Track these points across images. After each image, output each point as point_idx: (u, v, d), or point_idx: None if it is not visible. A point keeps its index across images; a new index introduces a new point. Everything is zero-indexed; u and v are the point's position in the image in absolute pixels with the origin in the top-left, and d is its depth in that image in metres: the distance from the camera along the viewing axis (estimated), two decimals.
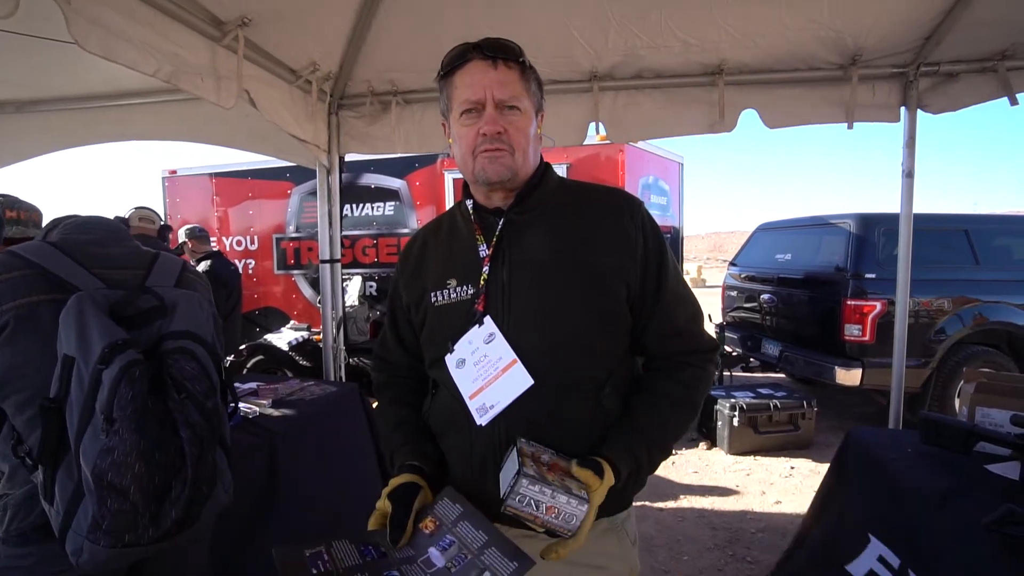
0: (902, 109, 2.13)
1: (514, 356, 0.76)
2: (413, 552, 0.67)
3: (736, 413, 3.49)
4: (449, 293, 0.83)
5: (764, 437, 3.53)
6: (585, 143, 3.63)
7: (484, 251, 0.82)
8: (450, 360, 0.81)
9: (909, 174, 2.12)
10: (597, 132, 2.32)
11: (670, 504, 2.80)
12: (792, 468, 3.27)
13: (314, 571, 0.61)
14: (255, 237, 5.14)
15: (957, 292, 3.55)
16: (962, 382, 3.50)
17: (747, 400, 3.58)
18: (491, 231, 0.83)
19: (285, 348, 4.09)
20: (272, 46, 1.96)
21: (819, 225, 4.21)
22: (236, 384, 2.21)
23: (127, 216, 2.79)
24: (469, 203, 0.87)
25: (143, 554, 0.80)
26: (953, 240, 3.70)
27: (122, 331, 0.81)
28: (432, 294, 0.85)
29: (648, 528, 2.48)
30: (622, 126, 2.30)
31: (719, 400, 3.63)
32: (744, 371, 5.06)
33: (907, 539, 1.36)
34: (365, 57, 2.29)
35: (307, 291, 4.93)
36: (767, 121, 2.23)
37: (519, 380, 0.75)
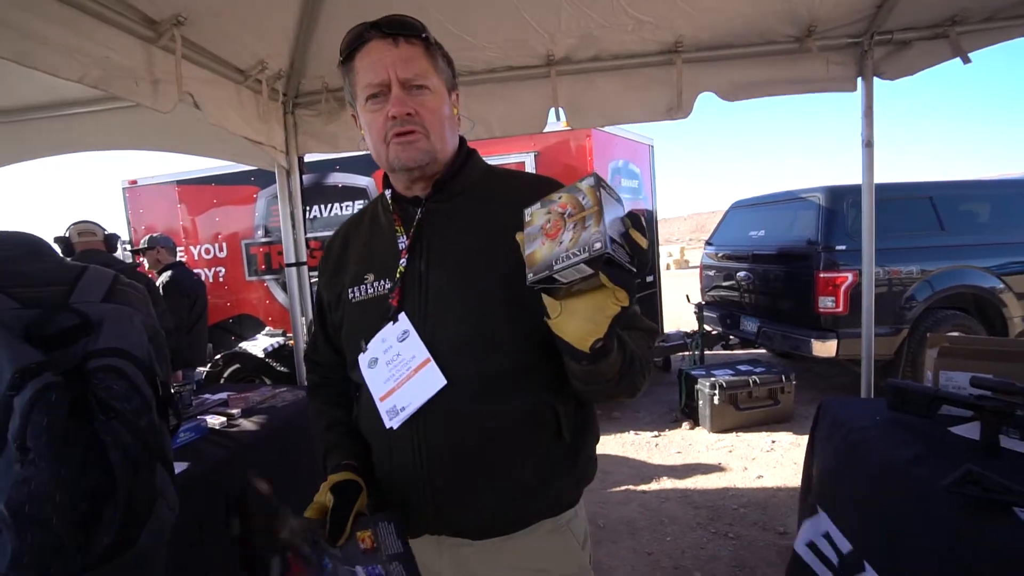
0: (859, 79, 2.13)
1: (427, 355, 0.71)
2: (342, 556, 0.64)
3: (716, 391, 3.53)
4: (366, 288, 0.79)
5: (745, 413, 3.57)
6: (552, 130, 3.61)
7: (403, 242, 0.78)
8: (363, 360, 0.77)
9: (868, 143, 2.13)
10: (558, 119, 2.29)
11: (653, 486, 2.82)
12: (773, 442, 3.32)
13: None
14: (223, 244, 5.02)
15: (925, 259, 3.62)
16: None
17: (727, 378, 3.62)
18: (411, 221, 0.79)
19: (260, 355, 4.01)
20: (214, 45, 1.88)
21: (790, 200, 4.25)
22: (206, 395, 2.18)
23: (67, 235, 2.70)
24: (388, 193, 0.82)
25: None
26: (918, 208, 3.76)
27: (37, 353, 0.76)
28: (350, 290, 0.80)
29: (632, 511, 2.50)
30: (582, 112, 2.28)
31: (700, 380, 3.66)
32: (725, 349, 5.12)
33: (862, 515, 1.37)
34: (316, 52, 2.22)
35: (280, 296, 4.84)
36: (724, 95, 2.22)
37: (432, 380, 0.70)
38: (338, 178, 4.67)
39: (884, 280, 3.49)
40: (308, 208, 4.59)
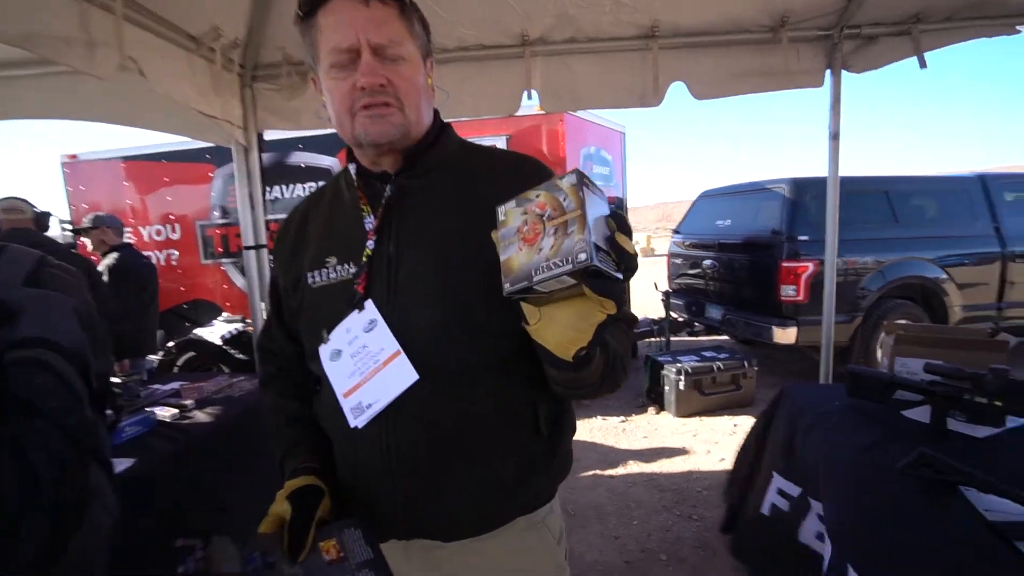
0: (827, 73, 2.17)
1: (397, 347, 0.65)
2: (303, 573, 0.59)
3: (682, 377, 3.61)
4: (328, 273, 0.71)
5: (709, 398, 3.67)
6: (524, 113, 3.55)
7: (369, 223, 0.70)
8: (324, 351, 0.70)
9: (835, 136, 2.18)
10: (530, 99, 2.24)
11: (620, 471, 2.86)
12: (735, 425, 3.43)
13: (181, 570, 0.52)
14: (176, 225, 4.73)
15: (879, 250, 3.78)
16: (883, 334, 3.77)
17: (692, 364, 3.70)
18: (378, 199, 0.71)
19: (218, 342, 3.83)
20: (161, 7, 1.73)
21: (756, 191, 4.35)
22: (156, 385, 2.05)
23: None
24: (353, 168, 0.74)
25: None
26: (875, 201, 3.91)
27: None
28: (309, 274, 0.73)
29: (600, 496, 2.53)
30: (556, 95, 2.23)
31: (666, 365, 3.74)
32: (690, 336, 5.25)
33: (827, 499, 1.43)
34: (276, 21, 2.08)
35: (239, 280, 4.63)
36: (695, 92, 2.22)
37: (402, 375, 0.64)
38: (301, 157, 4.47)
39: (841, 270, 3.63)
40: (269, 188, 4.38)
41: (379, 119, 0.66)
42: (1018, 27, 2.01)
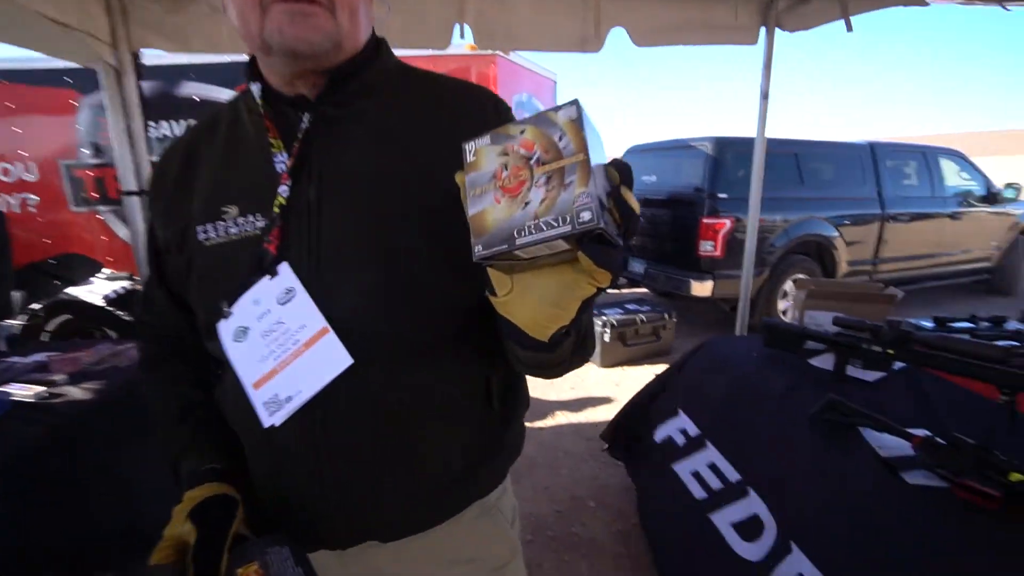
0: (762, 31, 2.18)
1: (323, 323, 0.52)
2: None
3: (608, 329, 3.74)
4: (227, 227, 0.56)
5: (631, 349, 3.86)
6: (453, 52, 3.28)
7: (282, 162, 0.56)
8: (225, 329, 0.56)
9: (765, 95, 2.22)
10: (463, 37, 2.04)
11: (549, 422, 2.94)
12: (655, 375, 3.64)
13: None
14: (31, 164, 3.93)
15: (787, 209, 4.06)
16: (787, 285, 4.14)
17: (617, 316, 3.84)
18: (293, 131, 0.56)
19: (100, 303, 3.33)
20: None
21: (681, 148, 4.45)
22: (14, 358, 1.70)
23: None
24: (257, 89, 0.57)
25: None
26: (786, 162, 4.17)
27: None
28: (200, 228, 0.57)
29: (531, 449, 2.59)
30: (490, 32, 2.05)
31: (592, 318, 3.85)
32: (614, 289, 5.43)
33: (747, 444, 1.55)
34: None
35: (123, 232, 4.01)
36: (636, 39, 2.16)
37: (331, 358, 0.52)
38: (193, 89, 3.84)
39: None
40: (154, 124, 3.75)
41: (300, 19, 0.49)
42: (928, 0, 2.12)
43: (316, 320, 0.53)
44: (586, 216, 0.36)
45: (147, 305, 0.68)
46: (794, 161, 4.17)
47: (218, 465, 0.58)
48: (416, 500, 0.59)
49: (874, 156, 4.56)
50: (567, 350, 0.51)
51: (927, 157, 4.92)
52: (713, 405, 1.78)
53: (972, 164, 5.26)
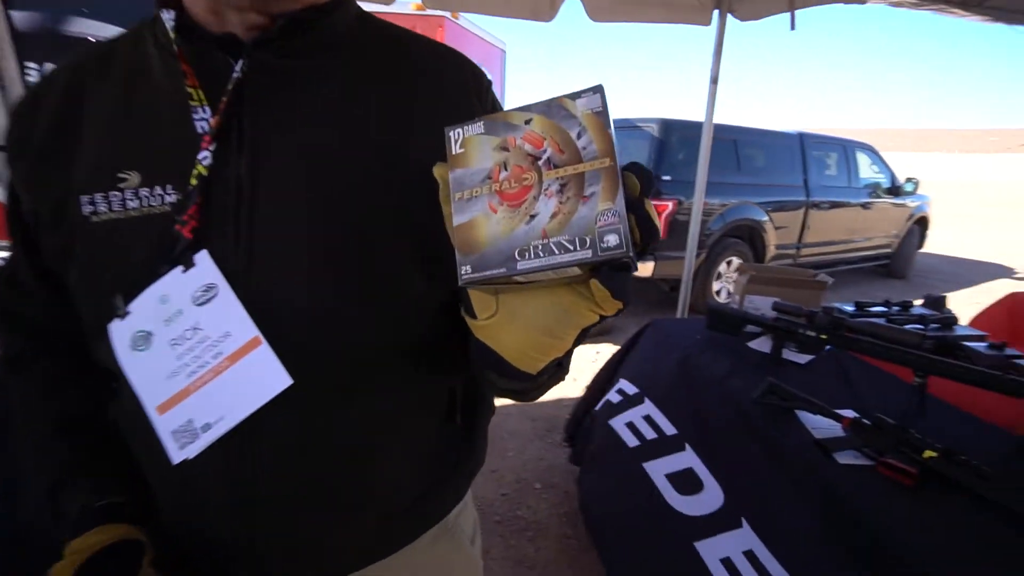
0: (715, 14, 2.17)
1: (255, 331, 0.41)
2: None
3: None
4: (123, 199, 0.43)
5: None
6: (397, 11, 3.04)
7: (204, 120, 0.43)
8: (119, 333, 0.43)
9: (714, 80, 2.24)
10: None
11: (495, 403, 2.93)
12: (597, 353, 3.72)
13: None
14: None
15: (725, 194, 4.22)
16: (722, 267, 4.34)
17: None
18: (220, 81, 0.43)
19: None
20: None
21: (628, 128, 4.48)
22: None
23: None
24: (170, 18, 0.44)
25: None
26: (726, 148, 4.31)
27: None
28: (85, 199, 0.44)
29: None
30: None
31: None
32: None
33: (693, 422, 1.60)
34: None
35: None
36: (591, 13, 2.09)
37: (264, 376, 0.41)
38: (87, 27, 3.31)
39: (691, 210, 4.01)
40: (37, 66, 3.21)
41: None
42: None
43: (245, 327, 0.41)
44: (612, 241, 0.29)
45: (12, 287, 0.52)
46: (733, 147, 4.33)
47: (120, 499, 0.46)
48: (365, 534, 0.51)
49: (803, 146, 4.84)
50: (549, 375, 0.45)
51: (846, 150, 5.30)
52: (658, 379, 1.82)
53: (882, 158, 5.74)
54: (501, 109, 0.54)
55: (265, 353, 0.41)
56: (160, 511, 0.48)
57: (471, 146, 0.33)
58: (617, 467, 1.62)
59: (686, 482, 1.39)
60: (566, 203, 0.31)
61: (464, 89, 0.50)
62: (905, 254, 6.10)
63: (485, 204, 0.32)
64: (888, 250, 5.92)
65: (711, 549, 1.21)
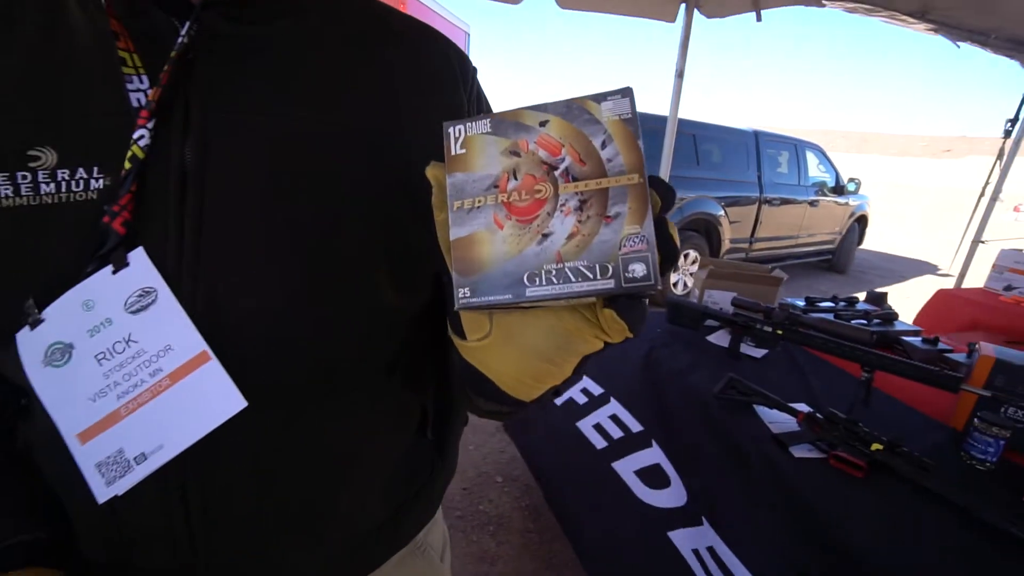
0: (681, 8, 2.17)
1: (203, 345, 0.35)
2: None
3: None
4: (39, 182, 0.35)
5: None
6: None
7: (140, 91, 0.36)
8: (29, 343, 0.35)
9: (680, 74, 2.25)
10: None
11: None
12: None
13: None
14: None
15: (684, 188, 4.31)
16: (680, 262, 4.45)
17: None
18: (161, 46, 0.36)
19: None
20: None
21: None
22: None
23: None
24: None
25: None
26: (686, 143, 4.39)
27: None
28: None
29: None
30: None
31: None
32: None
33: (655, 414, 1.61)
34: None
35: None
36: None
37: (214, 398, 0.35)
38: None
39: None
40: None
41: None
42: (825, 3, 2.27)
43: (189, 340, 0.35)
44: (639, 271, 0.26)
45: None
46: (692, 142, 4.42)
47: (42, 534, 0.39)
48: (329, 562, 0.46)
49: (757, 143, 5.01)
50: (543, 403, 0.40)
51: (797, 148, 5.52)
52: (623, 375, 1.83)
53: (828, 159, 6.04)
54: (486, 101, 0.49)
55: (214, 370, 0.35)
56: (82, 549, 0.41)
57: (475, 147, 0.28)
58: (585, 470, 1.62)
59: (654, 477, 1.40)
60: (586, 223, 0.27)
61: (452, 73, 0.44)
62: (846, 250, 6.48)
63: (490, 217, 0.27)
64: (831, 246, 6.26)
65: (683, 539, 1.23)
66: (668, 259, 0.28)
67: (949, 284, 3.77)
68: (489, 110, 0.49)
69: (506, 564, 1.65)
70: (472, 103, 0.46)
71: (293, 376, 0.39)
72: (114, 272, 0.35)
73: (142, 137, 0.34)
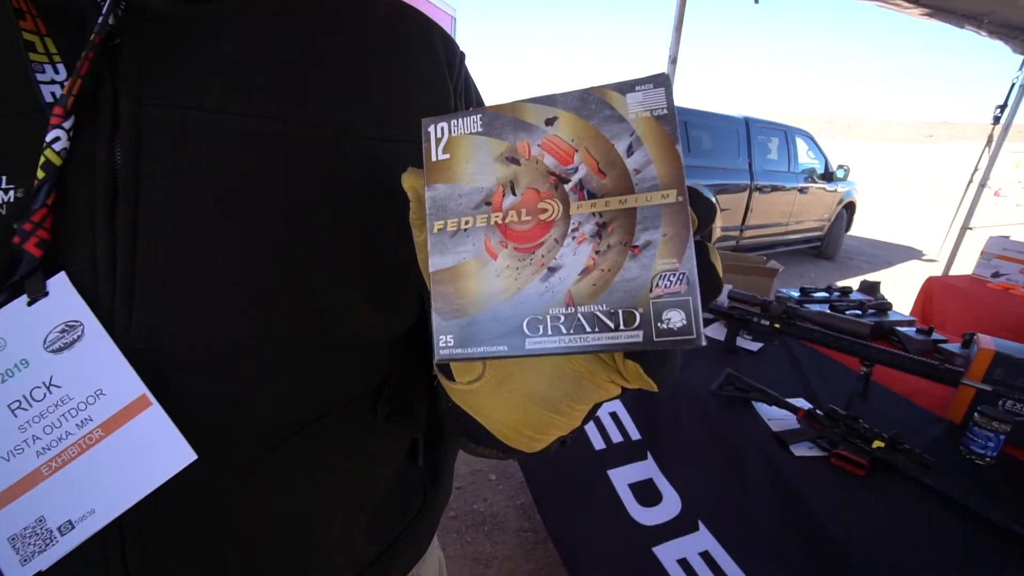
0: None
1: (142, 388, 0.29)
2: None
3: None
4: None
5: None
6: None
7: (54, 84, 0.29)
8: None
9: (673, 60, 2.19)
10: None
11: None
12: None
13: None
14: None
15: None
16: None
17: None
18: (78, 29, 0.29)
19: None
20: None
21: None
22: None
23: None
24: None
25: None
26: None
27: None
28: None
29: None
30: None
31: None
32: None
33: (647, 412, 1.58)
34: None
35: None
36: None
37: (157, 450, 0.29)
38: None
39: None
40: None
41: None
42: None
43: (125, 382, 0.29)
44: (676, 320, 0.19)
45: None
46: (683, 129, 4.37)
47: None
48: None
49: (748, 130, 4.97)
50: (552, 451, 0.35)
51: (787, 135, 5.50)
52: None
53: (818, 145, 6.03)
54: (477, 92, 0.43)
55: (156, 417, 0.29)
56: None
57: (462, 151, 0.22)
58: (580, 473, 1.59)
59: (646, 493, 1.37)
60: (605, 254, 0.20)
61: (435, 58, 0.38)
62: (834, 237, 6.51)
63: (480, 243, 0.21)
64: (820, 233, 6.29)
65: (668, 552, 1.20)
66: (709, 293, 0.22)
67: (935, 270, 3.80)
68: (480, 103, 0.43)
69: (501, 565, 1.62)
70: (459, 94, 0.40)
71: (253, 420, 0.33)
72: (29, 303, 0.29)
73: (57, 139, 0.28)
